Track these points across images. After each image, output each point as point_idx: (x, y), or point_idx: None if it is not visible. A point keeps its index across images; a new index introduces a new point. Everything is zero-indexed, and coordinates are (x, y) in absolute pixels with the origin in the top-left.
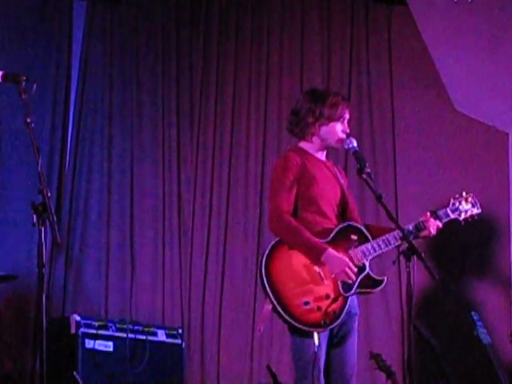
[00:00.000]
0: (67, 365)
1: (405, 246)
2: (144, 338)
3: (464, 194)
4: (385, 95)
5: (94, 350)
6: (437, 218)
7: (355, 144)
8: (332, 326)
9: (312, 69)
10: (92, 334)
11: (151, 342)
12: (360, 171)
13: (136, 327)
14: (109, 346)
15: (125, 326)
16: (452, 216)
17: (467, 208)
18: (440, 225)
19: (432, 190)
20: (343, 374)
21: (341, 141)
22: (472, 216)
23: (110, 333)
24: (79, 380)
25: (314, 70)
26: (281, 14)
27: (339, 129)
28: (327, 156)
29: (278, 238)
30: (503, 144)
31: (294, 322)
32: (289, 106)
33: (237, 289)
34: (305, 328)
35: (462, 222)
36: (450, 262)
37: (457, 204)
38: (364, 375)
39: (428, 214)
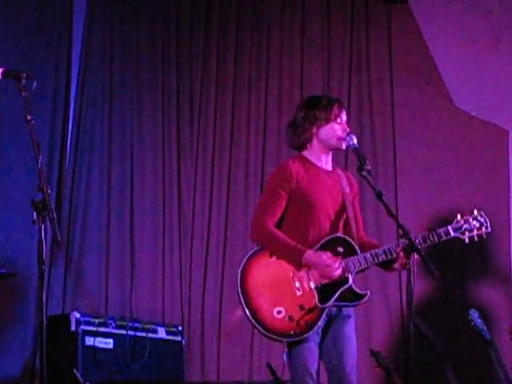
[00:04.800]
0: (67, 362)
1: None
2: (144, 335)
3: (475, 212)
4: (385, 92)
5: (94, 347)
6: (436, 236)
7: (355, 141)
8: (303, 337)
9: (312, 66)
10: (92, 331)
11: (151, 339)
12: (360, 168)
13: (136, 324)
14: (109, 343)
15: (125, 324)
16: (453, 234)
17: (474, 226)
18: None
19: (432, 187)
20: (342, 378)
21: (341, 139)
22: (480, 236)
23: (110, 330)
24: (79, 377)
25: (314, 68)
26: (281, 11)
27: (337, 128)
28: (333, 165)
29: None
30: (503, 141)
31: (261, 329)
32: (289, 104)
33: (236, 286)
34: (273, 336)
35: (466, 240)
36: (450, 259)
37: (461, 222)
38: (364, 373)
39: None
